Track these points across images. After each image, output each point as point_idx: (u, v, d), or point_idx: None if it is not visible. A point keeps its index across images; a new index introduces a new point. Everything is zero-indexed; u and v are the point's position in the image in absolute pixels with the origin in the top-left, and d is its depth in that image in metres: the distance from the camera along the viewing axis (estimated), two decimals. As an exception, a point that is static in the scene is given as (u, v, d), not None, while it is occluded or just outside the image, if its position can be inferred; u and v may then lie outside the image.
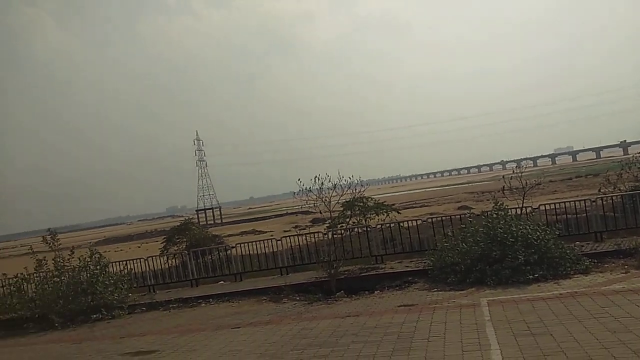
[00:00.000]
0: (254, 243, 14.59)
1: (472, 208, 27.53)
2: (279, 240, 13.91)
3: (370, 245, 12.95)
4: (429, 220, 13.29)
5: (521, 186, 11.58)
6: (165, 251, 23.21)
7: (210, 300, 11.74)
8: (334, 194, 11.80)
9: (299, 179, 11.58)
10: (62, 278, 12.00)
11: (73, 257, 12.38)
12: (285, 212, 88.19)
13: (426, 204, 50.86)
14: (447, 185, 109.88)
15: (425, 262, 11.20)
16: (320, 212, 12.08)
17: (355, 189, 12.48)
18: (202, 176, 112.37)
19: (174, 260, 16.61)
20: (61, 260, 12.23)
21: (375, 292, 10.44)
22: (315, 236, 13.79)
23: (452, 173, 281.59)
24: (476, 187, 72.51)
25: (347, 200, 15.88)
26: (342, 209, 17.37)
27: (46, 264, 12.62)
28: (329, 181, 11.66)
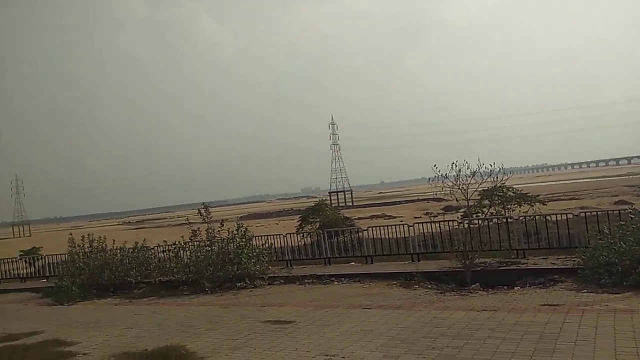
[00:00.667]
0: (385, 227, 14.64)
1: (633, 203, 24.37)
2: (411, 225, 13.76)
3: (510, 238, 12.19)
4: (581, 214, 12.08)
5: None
6: (301, 229, 24.44)
7: (342, 279, 12.08)
8: (473, 181, 11.23)
9: (435, 165, 11.25)
10: (213, 247, 13.11)
11: (222, 230, 13.52)
12: (416, 197, 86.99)
13: (576, 197, 46.30)
14: (602, 177, 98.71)
15: (574, 260, 10.25)
16: (457, 200, 11.62)
17: (496, 178, 11.75)
18: (335, 159, 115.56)
19: (308, 238, 17.40)
20: (212, 232, 13.43)
21: (515, 288, 9.84)
22: (450, 224, 13.37)
23: (610, 163, 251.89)
24: (638, 180, 63.96)
25: (486, 189, 15.09)
26: (479, 197, 16.57)
27: (199, 234, 14.02)
28: (468, 168, 11.13)
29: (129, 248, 14.71)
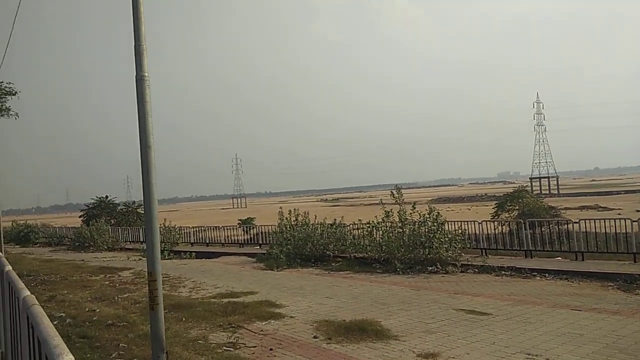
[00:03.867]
0: (599, 220, 12.92)
1: None
2: (635, 220, 11.86)
3: None
4: None
5: None
6: (497, 216, 23.13)
7: (546, 275, 11.06)
8: None
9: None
10: (404, 229, 13.28)
11: (414, 212, 13.57)
12: (639, 188, 74.71)
13: None
14: None
15: None
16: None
17: None
18: (539, 142, 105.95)
19: (506, 226, 16.36)
20: (404, 214, 13.59)
21: None
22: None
23: None
24: None
25: None
26: None
27: (392, 215, 14.31)
28: None
29: (328, 224, 15.78)
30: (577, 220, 13.61)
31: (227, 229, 24.10)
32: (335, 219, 16.10)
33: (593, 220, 13.12)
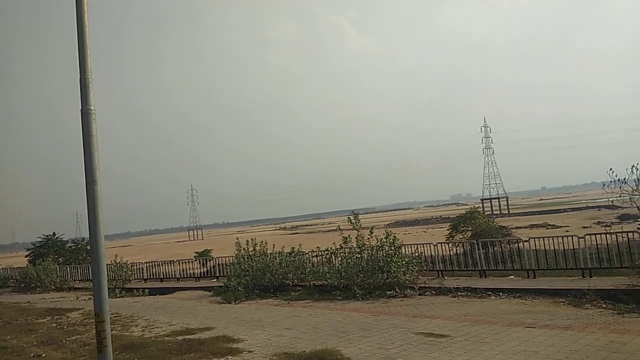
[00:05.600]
0: (549, 238, 13.41)
1: None
2: (581, 237, 12.38)
3: None
4: None
5: None
6: (451, 238, 23.63)
7: (500, 293, 11.32)
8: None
9: (611, 169, 9.95)
10: (363, 255, 13.31)
11: (371, 237, 13.66)
12: (584, 205, 78.43)
13: None
14: None
15: None
16: (639, 208, 10.15)
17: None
18: (488, 164, 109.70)
19: (460, 247, 16.71)
20: (362, 239, 13.65)
21: None
22: (629, 235, 11.73)
23: None
24: None
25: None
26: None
27: (350, 240, 14.35)
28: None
29: (287, 252, 15.64)
30: (527, 239, 14.07)
31: (182, 263, 23.44)
32: (293, 247, 15.98)
33: (543, 238, 13.59)
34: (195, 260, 25.86)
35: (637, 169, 9.75)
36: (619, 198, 10.35)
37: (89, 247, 29.92)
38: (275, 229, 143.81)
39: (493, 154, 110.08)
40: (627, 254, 11.44)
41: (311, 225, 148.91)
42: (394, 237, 13.50)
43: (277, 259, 15.40)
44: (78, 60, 5.01)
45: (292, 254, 15.50)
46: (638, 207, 10.11)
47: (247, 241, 16.41)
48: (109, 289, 5.21)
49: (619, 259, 11.68)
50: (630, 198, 9.97)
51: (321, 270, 14.38)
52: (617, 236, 12.08)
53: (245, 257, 15.97)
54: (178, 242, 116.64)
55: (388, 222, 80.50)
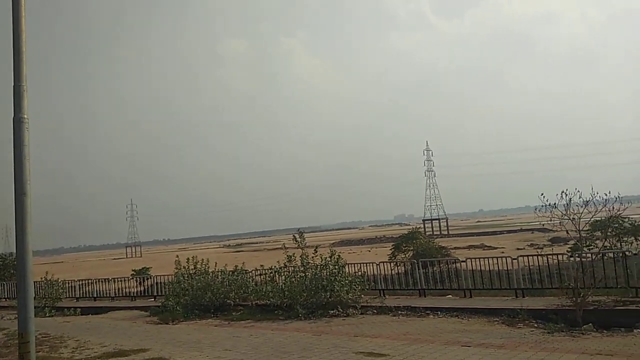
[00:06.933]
0: (485, 259, 13.93)
1: None
2: (514, 258, 12.95)
3: (628, 274, 11.03)
4: None
5: None
6: (394, 258, 24.02)
7: (438, 312, 11.61)
8: (586, 211, 10.37)
9: (542, 194, 10.56)
10: (307, 273, 13.28)
11: (316, 256, 13.66)
12: (519, 228, 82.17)
13: None
14: None
15: None
16: (567, 232, 10.78)
17: (612, 207, 10.75)
18: (430, 186, 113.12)
19: (402, 267, 17.02)
20: (306, 258, 13.63)
21: (635, 330, 8.87)
22: (558, 257, 12.40)
23: None
24: None
25: (599, 219, 13.84)
26: (588, 229, 15.26)
27: (294, 259, 14.29)
28: (579, 197, 10.31)
29: (229, 271, 15.34)
30: (464, 259, 14.55)
31: (118, 281, 22.42)
32: (237, 266, 15.72)
33: (479, 259, 14.10)
34: (132, 278, 24.82)
35: (566, 195, 10.39)
36: (549, 222, 10.94)
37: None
38: (219, 247, 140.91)
39: (434, 176, 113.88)
40: (557, 275, 12.04)
41: (257, 243, 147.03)
42: (338, 256, 13.58)
43: (219, 277, 15.09)
44: (13, 66, 4.79)
45: (235, 273, 15.23)
46: (567, 231, 10.74)
47: (188, 259, 15.99)
48: (37, 307, 4.92)
49: (550, 280, 12.28)
50: (560, 222, 10.58)
51: (264, 290, 14.21)
52: (548, 258, 12.74)
53: (186, 275, 15.53)
54: (115, 259, 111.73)
55: (333, 241, 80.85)
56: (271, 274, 14.44)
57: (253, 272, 16.03)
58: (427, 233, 74.05)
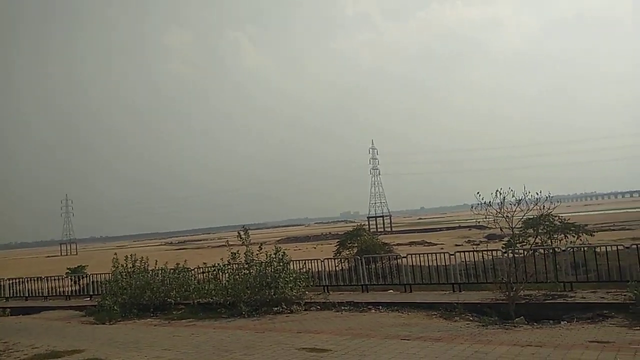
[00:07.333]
0: (424, 255, 14.37)
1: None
2: (452, 254, 13.44)
3: (557, 270, 11.72)
4: (633, 246, 11.49)
5: None
6: (338, 254, 24.28)
7: (380, 307, 11.87)
8: (518, 209, 10.89)
9: (478, 192, 10.99)
10: (251, 271, 13.19)
11: (261, 252, 13.57)
12: (457, 225, 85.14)
13: (627, 227, 44.10)
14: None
15: (625, 295, 9.74)
16: (501, 229, 11.29)
17: (543, 206, 11.34)
18: (374, 184, 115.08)
19: (346, 263, 17.24)
20: (251, 255, 13.51)
21: (562, 322, 9.43)
22: (493, 254, 12.98)
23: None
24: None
25: (531, 217, 14.60)
26: (521, 226, 16.05)
27: (239, 256, 14.12)
28: (513, 196, 10.82)
29: (170, 269, 14.97)
30: (405, 255, 14.95)
31: (51, 280, 21.30)
32: (178, 263, 15.35)
33: (419, 255, 14.53)
34: (67, 277, 23.67)
35: (500, 194, 10.87)
36: (485, 219, 11.40)
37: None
38: (161, 244, 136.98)
39: (379, 174, 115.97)
40: (492, 271, 12.60)
41: (200, 240, 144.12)
42: (283, 252, 13.56)
43: (159, 276, 14.70)
44: None
45: (176, 271, 14.87)
46: (501, 228, 11.25)
47: (127, 257, 15.45)
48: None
49: (485, 275, 12.83)
50: (494, 219, 11.05)
51: (207, 288, 13.97)
52: (483, 254, 13.31)
53: (124, 274, 15.01)
54: (48, 257, 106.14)
55: (279, 238, 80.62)
56: (214, 272, 14.21)
57: (195, 270, 15.71)
58: (372, 230, 75.34)
